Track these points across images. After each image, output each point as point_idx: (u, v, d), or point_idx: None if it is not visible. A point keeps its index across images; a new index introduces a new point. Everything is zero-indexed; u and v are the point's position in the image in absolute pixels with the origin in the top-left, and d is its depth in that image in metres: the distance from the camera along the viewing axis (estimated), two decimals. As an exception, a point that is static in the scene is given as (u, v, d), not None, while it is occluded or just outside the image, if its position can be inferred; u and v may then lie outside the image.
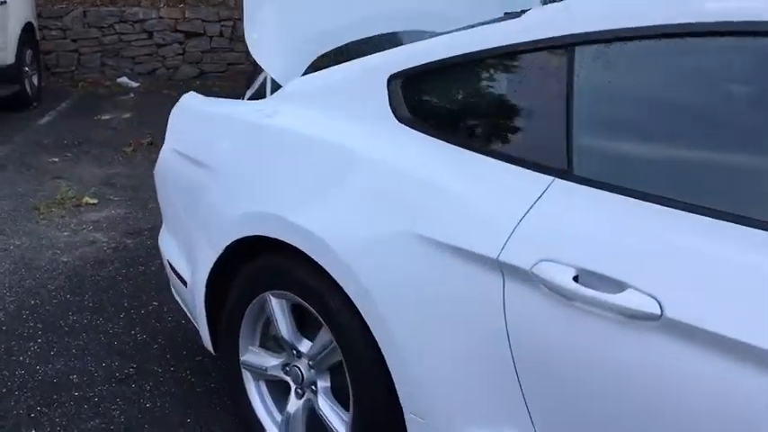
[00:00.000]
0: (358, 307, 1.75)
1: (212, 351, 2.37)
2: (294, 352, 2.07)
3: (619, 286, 1.33)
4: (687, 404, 1.28)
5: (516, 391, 1.52)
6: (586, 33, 1.52)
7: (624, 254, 1.38)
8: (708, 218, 1.31)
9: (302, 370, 2.05)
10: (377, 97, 1.91)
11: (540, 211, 1.49)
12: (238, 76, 9.20)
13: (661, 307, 1.28)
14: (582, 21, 1.54)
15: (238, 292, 2.17)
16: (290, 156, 2.02)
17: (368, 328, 1.74)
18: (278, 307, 2.05)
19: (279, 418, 2.16)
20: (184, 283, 2.41)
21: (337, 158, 1.91)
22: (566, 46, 1.55)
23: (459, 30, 1.95)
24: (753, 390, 1.20)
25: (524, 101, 1.67)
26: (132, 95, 8.40)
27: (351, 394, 1.88)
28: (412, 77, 1.86)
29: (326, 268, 1.79)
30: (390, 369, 1.71)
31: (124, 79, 8.88)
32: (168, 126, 2.53)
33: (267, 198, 2.01)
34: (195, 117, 2.47)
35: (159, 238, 2.71)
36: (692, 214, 1.33)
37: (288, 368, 2.10)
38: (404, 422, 1.72)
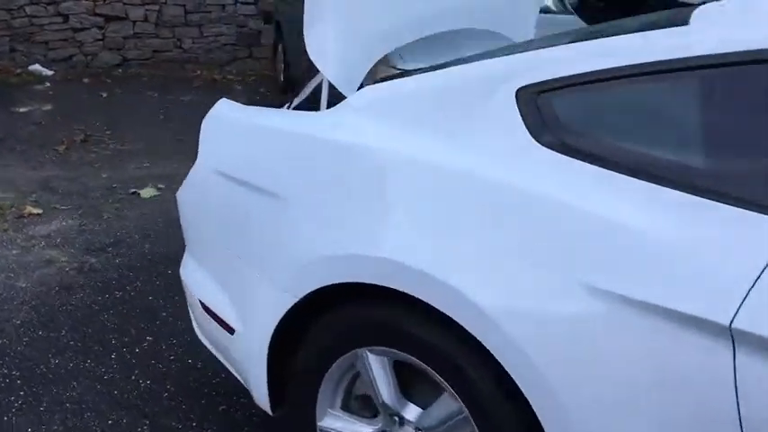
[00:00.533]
0: (515, 378, 1.42)
1: (270, 412, 1.97)
2: (396, 418, 1.72)
3: None
4: None
5: None
6: None
7: None
8: None
9: None
10: (503, 114, 1.58)
11: None
12: (164, 65, 8.59)
13: None
14: None
15: (321, 346, 1.79)
16: (400, 187, 1.65)
17: (524, 403, 1.42)
18: (378, 365, 1.69)
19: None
20: (230, 330, 2.00)
21: (470, 191, 1.57)
22: None
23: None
24: None
25: (743, 122, 1.38)
26: (48, 85, 7.61)
27: None
28: (558, 91, 1.54)
29: (473, 332, 1.45)
30: None
31: (37, 67, 8.05)
32: (202, 141, 2.09)
33: (371, 237, 1.64)
34: (247, 132, 2.03)
35: (183, 270, 2.28)
36: None
37: None
38: None
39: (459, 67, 1.78)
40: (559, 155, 1.49)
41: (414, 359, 1.62)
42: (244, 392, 2.15)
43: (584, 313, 1.35)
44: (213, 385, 2.56)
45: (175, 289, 3.26)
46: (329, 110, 1.93)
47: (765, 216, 1.26)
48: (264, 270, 1.86)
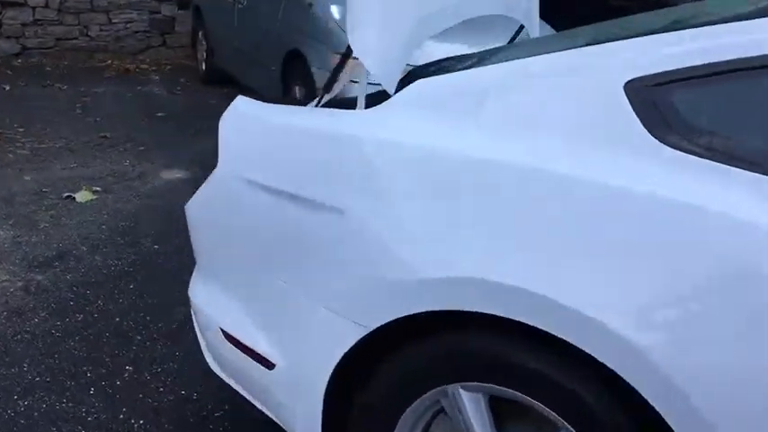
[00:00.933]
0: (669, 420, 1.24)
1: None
2: None
3: None
4: None
5: None
6: None
7: None
8: None
9: None
10: (613, 111, 1.38)
11: None
12: (69, 54, 7.95)
13: None
14: None
15: (400, 382, 1.55)
16: (506, 201, 1.41)
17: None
18: (473, 403, 1.47)
19: None
20: (267, 364, 1.72)
21: (604, 204, 1.35)
22: None
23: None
24: None
25: None
26: (-62, 78, 6.88)
27: None
28: (680, 84, 1.35)
29: (617, 370, 1.25)
30: None
31: (-76, 57, 7.27)
32: (223, 145, 1.78)
33: (478, 259, 1.40)
34: (283, 135, 1.73)
35: (193, 292, 1.96)
36: None
37: None
38: None
39: (542, 56, 1.58)
40: (699, 159, 1.30)
41: (520, 395, 1.41)
42: (258, 426, 1.90)
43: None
44: (216, 420, 2.26)
45: (144, 307, 2.93)
46: (380, 108, 1.68)
47: None
48: (320, 296, 1.59)
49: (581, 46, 1.58)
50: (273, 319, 1.72)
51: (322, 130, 1.69)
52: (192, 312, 2.02)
